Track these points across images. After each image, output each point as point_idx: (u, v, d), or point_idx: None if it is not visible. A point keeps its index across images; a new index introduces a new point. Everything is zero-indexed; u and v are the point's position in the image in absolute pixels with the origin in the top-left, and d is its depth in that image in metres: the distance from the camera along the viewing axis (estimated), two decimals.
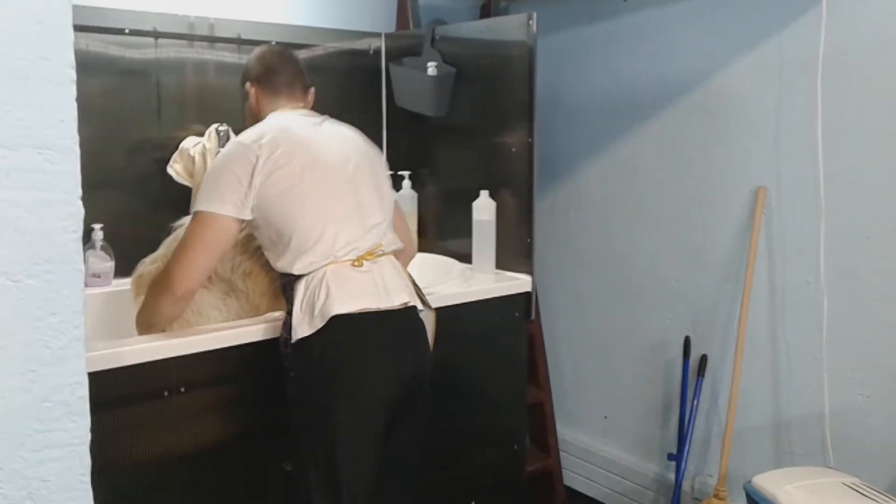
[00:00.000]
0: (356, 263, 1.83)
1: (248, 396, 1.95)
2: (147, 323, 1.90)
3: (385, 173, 2.06)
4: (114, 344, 1.75)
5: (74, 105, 0.96)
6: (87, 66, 2.27)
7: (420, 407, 1.93)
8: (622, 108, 2.88)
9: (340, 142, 1.96)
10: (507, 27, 2.53)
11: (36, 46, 0.92)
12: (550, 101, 3.05)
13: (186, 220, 2.14)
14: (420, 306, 1.94)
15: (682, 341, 2.73)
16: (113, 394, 1.71)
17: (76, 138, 0.96)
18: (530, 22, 2.43)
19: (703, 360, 2.69)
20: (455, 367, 2.32)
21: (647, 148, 2.83)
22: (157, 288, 1.85)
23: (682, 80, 2.68)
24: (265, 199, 1.80)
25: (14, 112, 0.91)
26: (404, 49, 2.84)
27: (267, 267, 2.08)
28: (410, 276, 2.01)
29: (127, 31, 2.33)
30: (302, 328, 1.77)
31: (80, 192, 0.97)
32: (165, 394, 1.80)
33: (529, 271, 2.55)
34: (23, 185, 0.93)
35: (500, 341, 2.53)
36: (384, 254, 1.90)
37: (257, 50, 2.10)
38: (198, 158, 2.43)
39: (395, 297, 1.84)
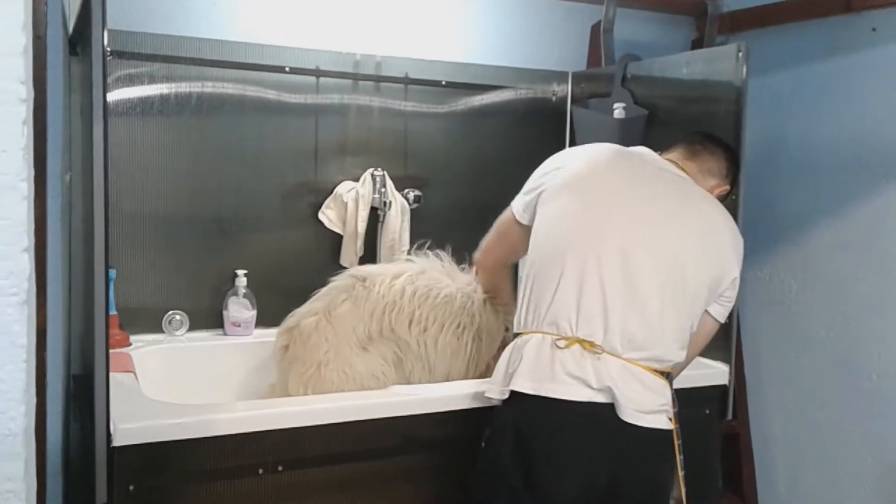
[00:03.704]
0: (568, 344, 1.52)
1: (356, 480, 1.67)
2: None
3: (707, 280, 1.62)
4: (207, 409, 1.56)
5: (24, 131, 0.74)
6: (243, 103, 2.18)
7: None
8: (866, 161, 2.29)
9: (687, 222, 1.63)
10: (712, 62, 2.09)
11: None
12: (771, 152, 2.53)
13: (344, 274, 1.96)
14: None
15: None
16: (200, 467, 1.52)
17: (25, 174, 0.74)
18: (740, 55, 1.98)
19: None
20: None
21: None
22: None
23: None
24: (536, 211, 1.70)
25: None
26: (593, 90, 2.49)
27: (452, 322, 1.90)
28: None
29: (288, 69, 2.21)
30: (492, 389, 1.61)
31: (25, 243, 0.74)
32: (260, 471, 1.57)
33: (728, 359, 2.06)
34: None
35: (684, 443, 2.04)
36: (625, 359, 1.53)
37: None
38: (350, 205, 2.24)
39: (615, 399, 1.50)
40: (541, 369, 1.51)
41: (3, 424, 0.75)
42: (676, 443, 1.60)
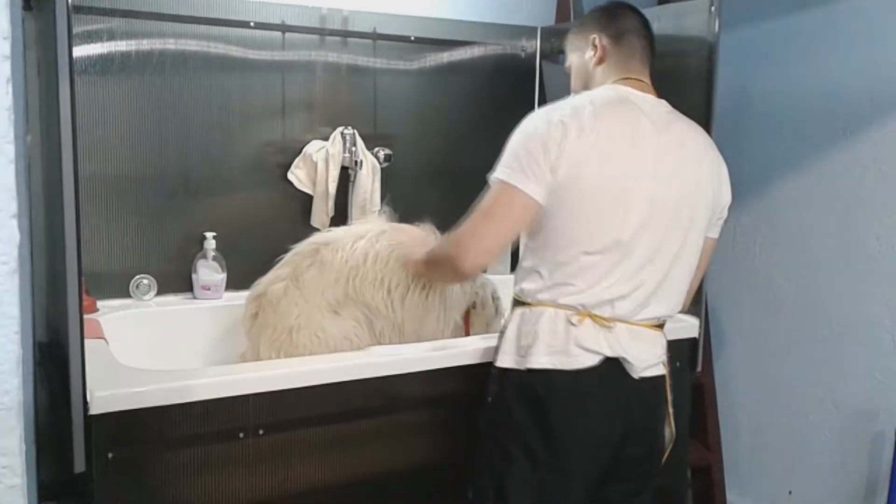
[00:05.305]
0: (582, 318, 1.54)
1: (339, 441, 1.67)
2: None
3: (706, 217, 1.64)
4: (186, 374, 1.54)
5: (8, 89, 0.69)
6: (207, 61, 2.11)
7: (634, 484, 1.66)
8: (831, 115, 2.33)
9: (682, 166, 1.58)
10: (683, 17, 2.08)
11: None
12: (736, 107, 2.56)
13: (305, 242, 1.93)
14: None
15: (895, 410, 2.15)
16: (180, 433, 1.50)
17: (11, 135, 0.70)
18: (712, 9, 1.98)
19: None
20: None
21: (862, 163, 2.27)
22: (440, 260, 1.69)
23: None
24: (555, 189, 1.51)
25: None
26: (563, 45, 2.46)
27: (417, 283, 1.87)
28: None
29: (252, 23, 2.14)
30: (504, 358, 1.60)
31: (14, 209, 0.71)
32: (241, 435, 1.56)
33: (697, 313, 2.09)
34: None
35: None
36: (635, 323, 1.57)
37: (607, 3, 1.75)
38: (320, 165, 2.20)
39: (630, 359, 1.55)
40: (556, 344, 1.53)
41: None
42: (668, 385, 1.67)
